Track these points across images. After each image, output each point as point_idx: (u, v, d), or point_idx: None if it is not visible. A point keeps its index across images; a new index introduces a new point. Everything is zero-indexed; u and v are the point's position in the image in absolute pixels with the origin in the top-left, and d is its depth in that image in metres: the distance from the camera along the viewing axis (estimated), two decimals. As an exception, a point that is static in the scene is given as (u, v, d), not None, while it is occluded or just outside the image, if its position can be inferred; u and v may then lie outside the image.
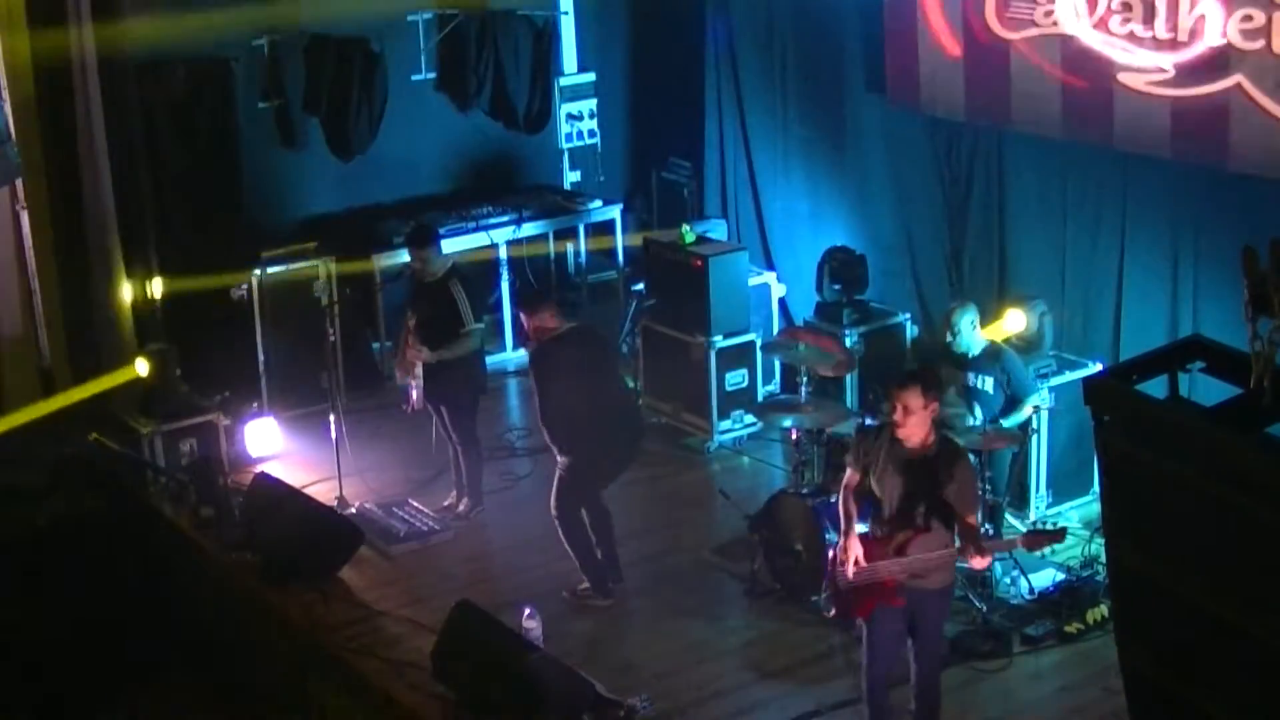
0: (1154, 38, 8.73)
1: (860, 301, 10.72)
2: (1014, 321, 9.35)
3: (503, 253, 12.05)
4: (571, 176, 13.11)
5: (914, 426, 6.62)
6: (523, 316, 8.75)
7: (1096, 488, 7.56)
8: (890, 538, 6.71)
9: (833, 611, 7.45)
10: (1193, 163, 8.77)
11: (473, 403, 9.61)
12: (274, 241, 11.29)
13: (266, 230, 11.43)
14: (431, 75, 12.27)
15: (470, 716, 7.49)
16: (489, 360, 10.18)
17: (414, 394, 9.44)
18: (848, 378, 10.20)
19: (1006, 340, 9.19)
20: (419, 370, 9.36)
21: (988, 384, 8.83)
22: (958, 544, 6.67)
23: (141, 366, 10.40)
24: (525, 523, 9.55)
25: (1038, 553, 7.45)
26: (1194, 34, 8.50)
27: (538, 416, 8.64)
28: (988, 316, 9.27)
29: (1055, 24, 9.27)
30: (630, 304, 11.52)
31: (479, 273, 11.27)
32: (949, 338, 8.90)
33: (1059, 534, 6.81)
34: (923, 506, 6.65)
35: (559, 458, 8.54)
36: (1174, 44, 8.62)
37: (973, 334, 8.90)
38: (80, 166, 10.51)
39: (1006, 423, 8.70)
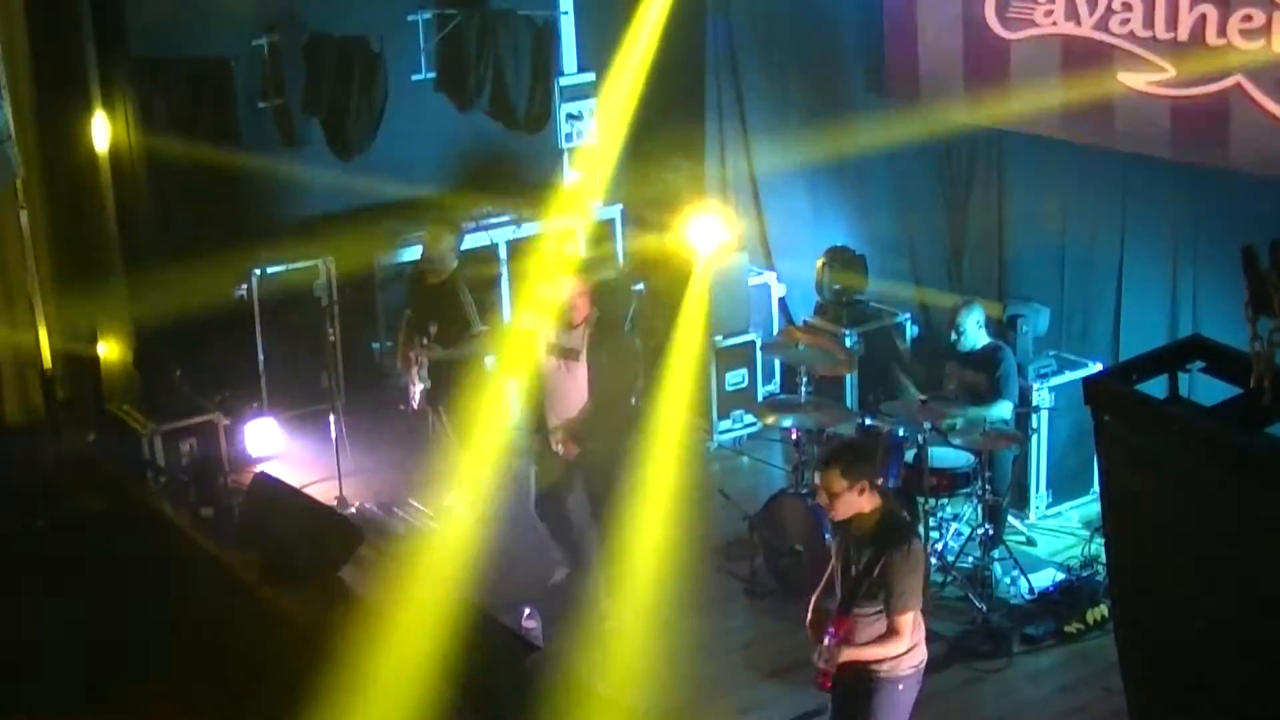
0: (1154, 38, 8.72)
1: (860, 301, 10.72)
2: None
3: (503, 252, 12.06)
4: (571, 176, 13.11)
5: (844, 508, 6.13)
6: (578, 285, 8.47)
7: (1096, 488, 7.56)
8: (824, 616, 6.31)
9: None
10: (1193, 163, 8.77)
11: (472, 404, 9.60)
12: (274, 241, 11.30)
13: (266, 230, 11.43)
14: (431, 75, 12.26)
15: (470, 716, 7.49)
16: (489, 361, 10.16)
17: (416, 395, 9.43)
18: (848, 378, 10.21)
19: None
20: (424, 373, 9.34)
21: (982, 382, 8.84)
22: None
23: (139, 363, 10.46)
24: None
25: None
26: (1194, 34, 8.50)
27: (590, 401, 8.42)
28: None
29: (1055, 24, 9.27)
30: (631, 303, 11.52)
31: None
32: (954, 336, 8.90)
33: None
34: (842, 590, 6.23)
35: (583, 451, 8.38)
36: (1174, 44, 8.62)
37: (978, 332, 8.91)
38: (80, 167, 10.51)
39: (981, 412, 8.70)
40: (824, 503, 6.20)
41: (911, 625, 6.14)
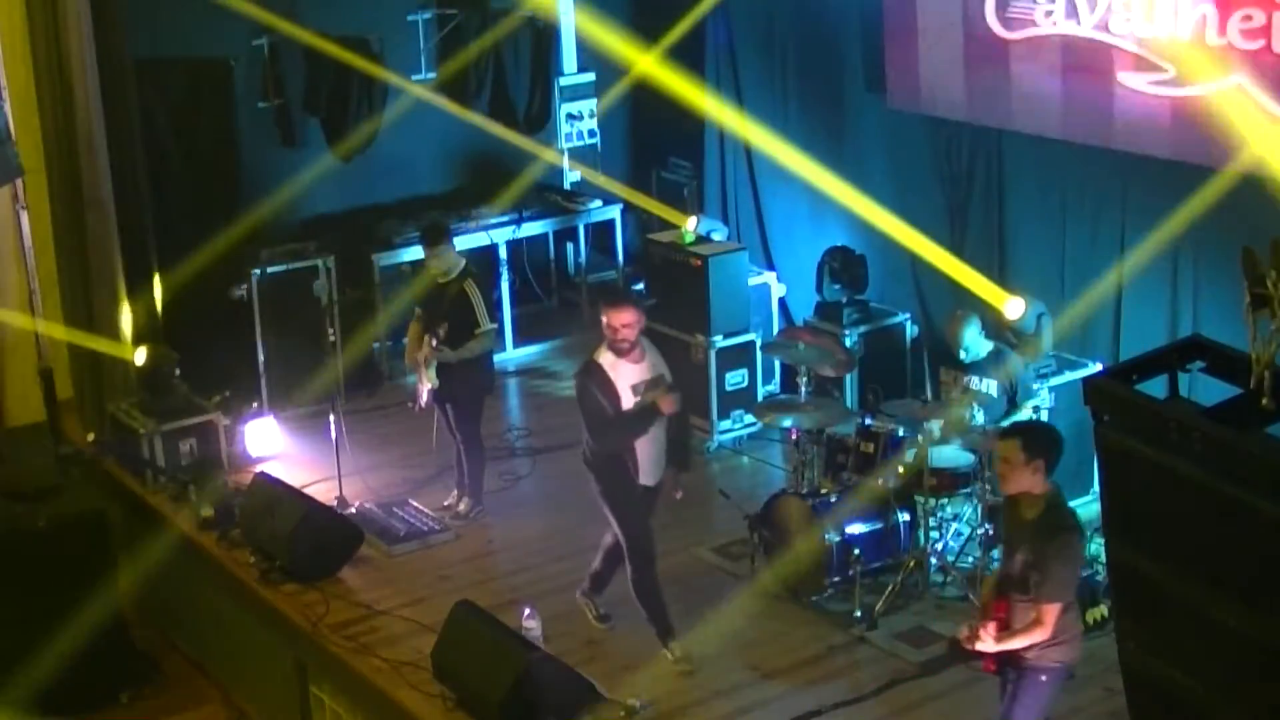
0: (1154, 38, 8.73)
1: (860, 301, 10.72)
2: (1013, 308, 9.38)
3: (503, 253, 12.06)
4: (571, 177, 13.11)
5: (1016, 482, 6.20)
6: (631, 314, 7.90)
7: (1096, 488, 7.56)
8: (993, 595, 6.43)
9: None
10: (1192, 163, 8.77)
11: (478, 403, 9.59)
12: (274, 241, 11.30)
13: (266, 230, 11.43)
14: (431, 75, 12.27)
15: (470, 716, 7.49)
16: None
17: (424, 394, 9.43)
18: (848, 378, 10.20)
19: (1008, 327, 9.23)
20: (433, 373, 9.32)
21: (991, 387, 8.83)
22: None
23: (140, 357, 10.47)
24: (525, 523, 9.56)
25: None
26: (1194, 34, 8.50)
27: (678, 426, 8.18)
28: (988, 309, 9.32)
29: (1055, 24, 9.27)
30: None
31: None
32: (960, 353, 8.90)
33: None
34: (1004, 574, 6.36)
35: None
36: (1174, 44, 8.62)
37: (979, 341, 8.90)
38: (80, 166, 10.51)
39: (1006, 424, 8.70)
40: (1000, 472, 6.27)
41: (1058, 619, 6.15)
